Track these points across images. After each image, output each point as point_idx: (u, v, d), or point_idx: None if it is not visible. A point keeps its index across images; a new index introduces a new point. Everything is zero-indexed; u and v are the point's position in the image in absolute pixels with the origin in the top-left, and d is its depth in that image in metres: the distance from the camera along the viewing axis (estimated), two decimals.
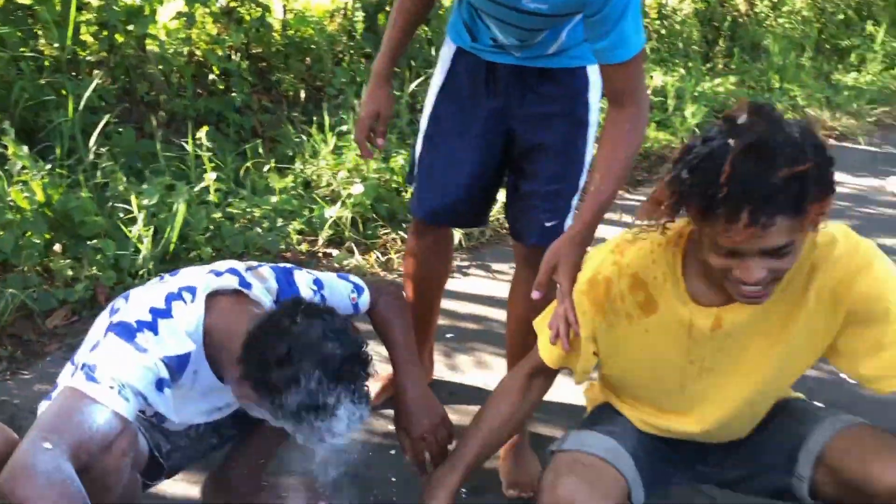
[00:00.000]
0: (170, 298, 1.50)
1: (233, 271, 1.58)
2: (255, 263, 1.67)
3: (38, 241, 2.63)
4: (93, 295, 2.64)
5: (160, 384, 1.42)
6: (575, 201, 1.97)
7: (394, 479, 2.09)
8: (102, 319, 1.52)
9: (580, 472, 1.53)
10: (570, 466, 1.54)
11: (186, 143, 3.40)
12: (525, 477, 2.08)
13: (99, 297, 2.64)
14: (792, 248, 1.29)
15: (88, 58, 3.89)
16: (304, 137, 3.83)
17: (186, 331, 1.47)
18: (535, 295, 1.61)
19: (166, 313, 1.47)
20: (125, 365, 1.39)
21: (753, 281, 1.30)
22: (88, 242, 2.76)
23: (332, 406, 1.37)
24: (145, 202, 2.94)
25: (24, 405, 2.18)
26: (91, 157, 3.12)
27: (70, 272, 2.65)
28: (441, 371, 2.57)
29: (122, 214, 2.89)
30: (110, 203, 2.93)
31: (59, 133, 3.19)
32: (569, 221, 1.96)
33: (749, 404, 1.58)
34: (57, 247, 2.74)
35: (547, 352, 1.63)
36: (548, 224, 1.95)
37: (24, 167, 2.70)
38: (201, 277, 1.55)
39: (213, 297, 1.53)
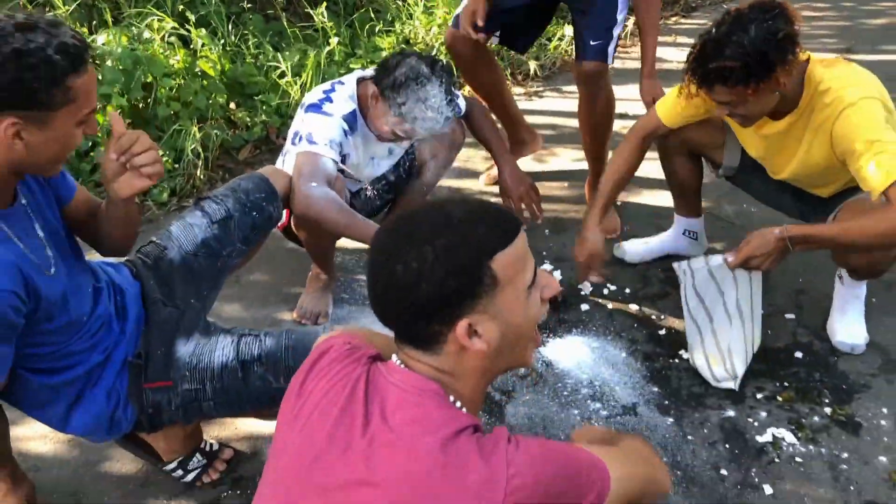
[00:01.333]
0: (333, 84, 2.40)
1: None
2: None
3: (222, 100, 3.57)
4: (266, 134, 3.60)
5: (345, 134, 2.33)
6: (616, 31, 2.69)
7: None
8: (298, 114, 2.40)
9: None
10: None
11: (311, 16, 4.25)
12: (610, 224, 2.90)
13: (271, 135, 3.60)
14: (739, 103, 1.93)
15: None
16: (401, 2, 4.62)
17: (349, 95, 2.35)
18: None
19: (332, 91, 2.36)
20: (325, 127, 2.28)
21: (719, 115, 2.06)
22: (255, 98, 3.69)
23: (433, 79, 2.20)
24: (287, 65, 3.84)
25: None
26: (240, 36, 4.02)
27: (248, 120, 3.60)
28: (527, 164, 3.43)
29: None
30: (264, 68, 3.84)
31: (210, 21, 4.09)
32: (612, 46, 2.69)
33: (796, 180, 2.25)
34: (232, 104, 3.70)
35: (668, 116, 2.31)
36: (593, 43, 2.68)
37: (203, 44, 3.63)
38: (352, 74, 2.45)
39: (360, 81, 2.40)
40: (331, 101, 2.32)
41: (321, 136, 2.26)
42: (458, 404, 1.12)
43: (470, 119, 2.66)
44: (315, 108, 2.32)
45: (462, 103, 2.62)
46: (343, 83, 2.39)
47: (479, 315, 1.07)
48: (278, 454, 1.14)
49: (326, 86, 2.39)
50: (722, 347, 2.21)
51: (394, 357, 1.15)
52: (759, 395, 2.22)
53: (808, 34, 4.85)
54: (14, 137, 1.39)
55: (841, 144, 1.98)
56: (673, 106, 2.30)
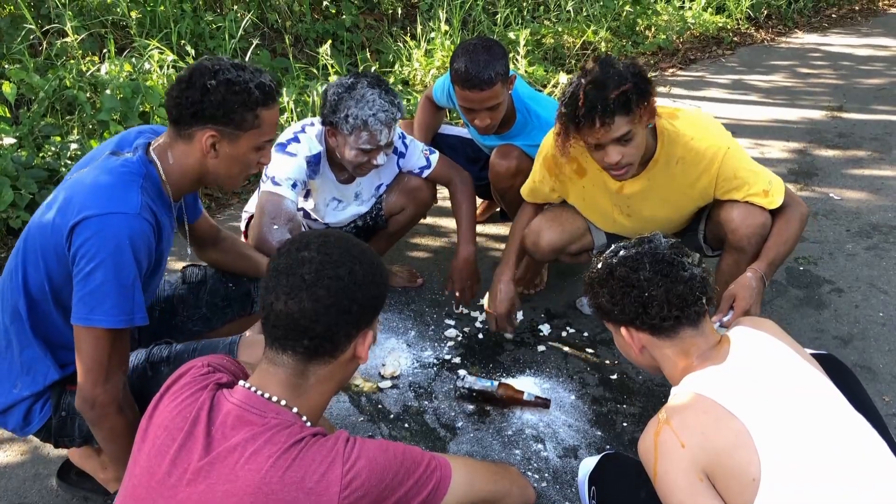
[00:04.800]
0: (303, 125, 2.50)
1: None
2: None
3: None
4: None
5: (307, 174, 2.43)
6: None
7: None
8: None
9: (548, 215, 2.50)
10: (544, 214, 2.52)
11: (315, 55, 4.39)
12: (535, 279, 2.97)
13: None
14: (632, 136, 2.00)
15: None
16: (402, 45, 4.75)
17: (316, 135, 2.46)
18: None
19: (301, 131, 2.47)
20: (287, 167, 2.39)
21: (614, 162, 2.07)
22: None
23: (360, 80, 2.31)
24: (287, 99, 3.97)
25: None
26: None
27: None
28: None
29: None
30: None
31: (215, 55, 4.25)
32: None
33: (658, 227, 2.32)
34: None
35: (530, 197, 2.54)
36: None
37: None
38: None
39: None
40: (297, 142, 2.43)
41: (283, 177, 2.36)
42: (304, 418, 1.22)
43: (451, 185, 2.75)
44: (281, 147, 2.42)
45: (434, 158, 2.71)
46: (313, 124, 2.49)
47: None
48: (128, 474, 1.22)
49: (297, 126, 2.49)
50: None
51: (241, 383, 1.25)
52: None
53: (802, 90, 4.91)
54: (210, 148, 1.71)
55: (729, 182, 2.18)
56: (539, 182, 2.46)
